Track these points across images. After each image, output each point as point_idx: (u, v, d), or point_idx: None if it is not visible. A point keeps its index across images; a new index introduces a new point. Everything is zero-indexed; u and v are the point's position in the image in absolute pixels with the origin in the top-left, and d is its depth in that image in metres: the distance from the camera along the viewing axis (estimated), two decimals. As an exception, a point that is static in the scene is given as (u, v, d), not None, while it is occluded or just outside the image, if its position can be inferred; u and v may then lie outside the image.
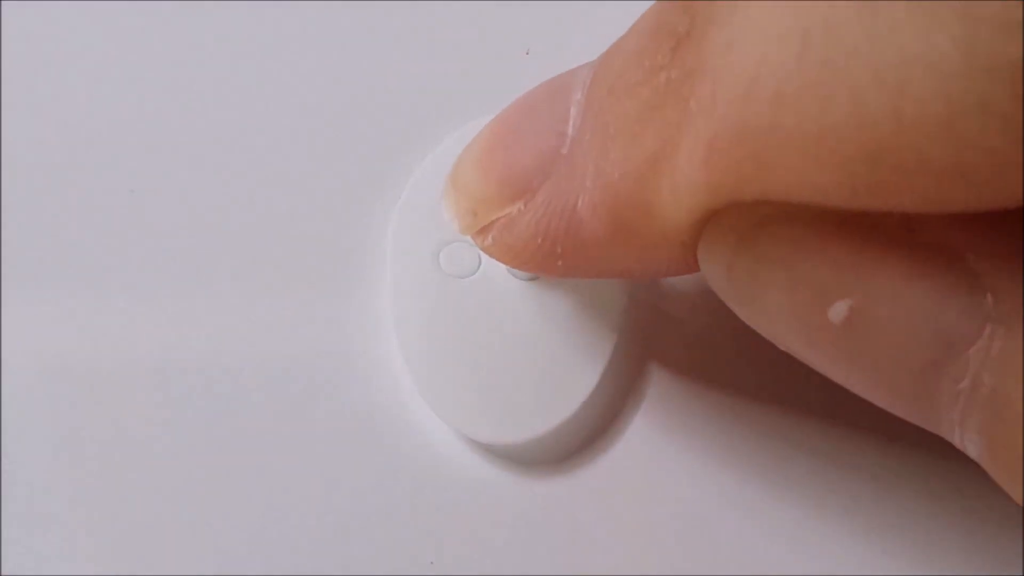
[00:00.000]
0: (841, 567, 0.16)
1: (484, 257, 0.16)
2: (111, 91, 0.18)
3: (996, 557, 0.16)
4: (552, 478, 0.16)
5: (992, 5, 0.08)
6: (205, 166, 0.18)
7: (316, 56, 0.18)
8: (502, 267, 0.16)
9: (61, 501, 0.16)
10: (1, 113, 0.18)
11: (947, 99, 0.08)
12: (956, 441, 0.11)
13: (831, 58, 0.09)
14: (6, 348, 0.17)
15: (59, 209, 0.18)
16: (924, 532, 0.16)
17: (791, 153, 0.09)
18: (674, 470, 0.16)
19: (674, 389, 0.17)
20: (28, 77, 0.18)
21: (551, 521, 0.16)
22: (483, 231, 0.14)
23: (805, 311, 0.11)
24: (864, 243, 0.10)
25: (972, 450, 0.11)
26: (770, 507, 0.16)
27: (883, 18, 0.09)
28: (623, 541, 0.16)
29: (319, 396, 0.17)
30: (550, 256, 0.13)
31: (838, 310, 0.11)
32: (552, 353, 0.16)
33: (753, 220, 0.11)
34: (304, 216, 0.17)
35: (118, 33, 0.18)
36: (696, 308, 0.17)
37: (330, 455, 0.16)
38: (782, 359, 0.17)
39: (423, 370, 0.16)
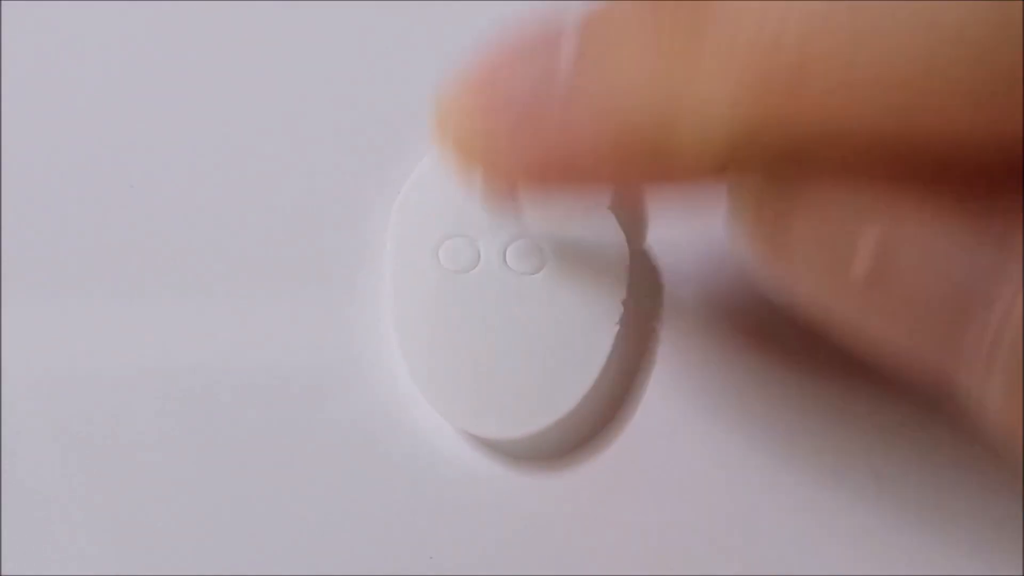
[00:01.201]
0: (842, 567, 0.16)
1: (484, 253, 0.16)
2: (110, 92, 0.18)
3: (996, 557, 0.16)
4: (553, 473, 0.16)
5: None
6: (202, 164, 0.18)
7: (314, 52, 0.18)
8: (502, 262, 0.16)
9: (61, 505, 0.16)
10: (1, 112, 0.18)
11: (979, 21, 0.09)
12: (974, 398, 0.11)
13: None
14: (5, 352, 0.17)
15: (58, 212, 0.17)
16: (925, 532, 0.16)
17: (822, 84, 0.10)
18: (675, 466, 0.16)
19: (675, 384, 0.17)
20: (27, 74, 0.18)
21: (551, 516, 0.16)
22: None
23: (832, 248, 0.11)
24: (894, 180, 0.10)
25: (991, 405, 0.10)
26: (772, 504, 0.16)
27: None
28: (624, 536, 0.16)
29: (318, 392, 0.17)
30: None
31: (865, 245, 0.10)
32: (552, 348, 0.16)
33: (783, 155, 0.11)
34: (302, 213, 0.17)
35: (118, 31, 0.18)
36: (698, 302, 0.17)
37: (329, 451, 0.16)
38: (786, 354, 0.17)
39: (422, 366, 0.16)
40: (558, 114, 0.12)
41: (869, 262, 0.10)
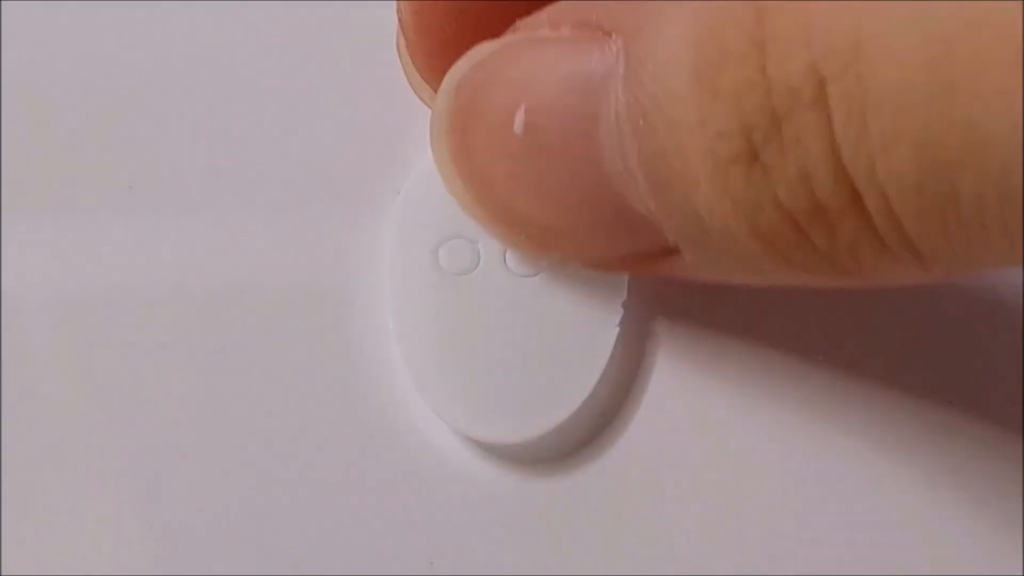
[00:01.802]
0: (842, 567, 0.16)
1: (483, 254, 0.16)
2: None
3: (996, 557, 0.16)
4: (553, 477, 0.16)
5: None
6: (200, 164, 0.17)
7: (316, 48, 0.18)
8: (502, 264, 0.16)
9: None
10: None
11: None
12: (633, 195, 0.12)
13: None
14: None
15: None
16: (924, 532, 0.16)
17: None
18: (675, 468, 0.16)
19: (675, 386, 0.16)
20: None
21: (552, 520, 0.16)
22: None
23: (501, 137, 0.13)
24: (529, 54, 0.13)
25: (641, 187, 0.12)
26: (772, 505, 0.16)
27: None
28: (624, 540, 0.16)
29: (317, 393, 0.16)
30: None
31: (518, 122, 0.13)
32: (552, 350, 0.16)
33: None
34: (302, 212, 0.17)
35: None
36: (698, 306, 0.17)
37: (328, 454, 0.16)
38: (785, 355, 0.17)
39: (422, 368, 0.16)
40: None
41: (523, 132, 0.13)
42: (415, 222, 0.16)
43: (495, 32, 0.14)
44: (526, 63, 0.13)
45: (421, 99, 0.16)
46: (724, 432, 0.16)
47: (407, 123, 0.17)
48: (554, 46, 0.12)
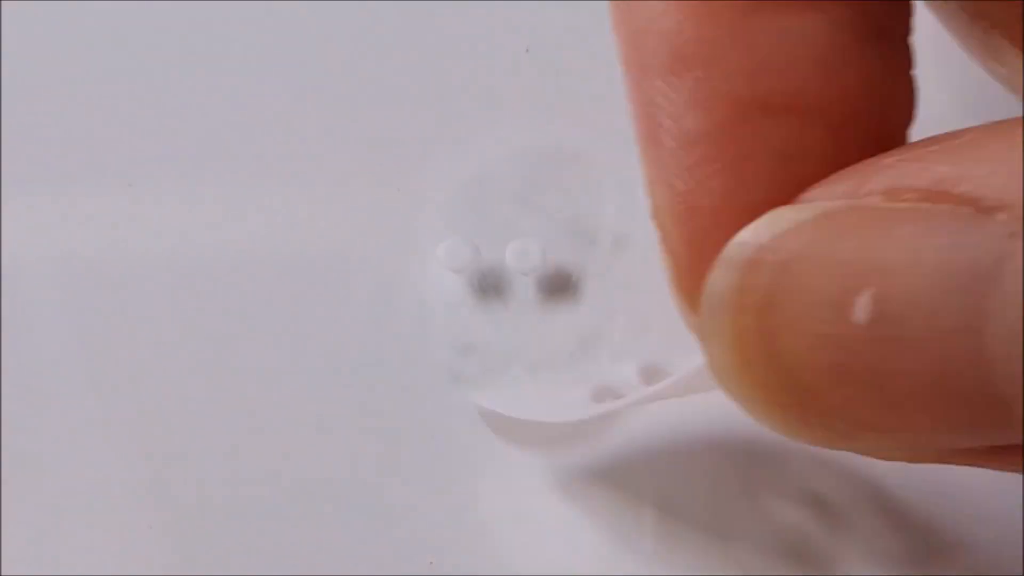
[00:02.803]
0: (838, 567, 0.16)
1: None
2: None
3: (996, 556, 0.16)
4: (553, 476, 0.16)
5: None
6: (200, 161, 0.18)
7: (319, 45, 0.18)
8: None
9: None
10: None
11: None
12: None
13: None
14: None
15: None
16: (921, 533, 0.16)
17: None
18: (675, 468, 0.16)
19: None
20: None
21: (552, 519, 0.16)
22: None
23: (828, 322, 0.10)
24: (866, 227, 0.10)
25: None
26: (771, 500, 0.16)
27: None
28: (623, 539, 0.16)
29: (315, 393, 0.17)
30: None
31: (862, 306, 0.10)
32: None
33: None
34: (301, 212, 0.17)
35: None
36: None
37: (328, 453, 0.16)
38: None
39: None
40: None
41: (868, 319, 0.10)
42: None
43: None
44: (866, 238, 0.10)
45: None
46: (725, 431, 0.16)
47: (409, 122, 0.18)
48: (905, 220, 0.10)
